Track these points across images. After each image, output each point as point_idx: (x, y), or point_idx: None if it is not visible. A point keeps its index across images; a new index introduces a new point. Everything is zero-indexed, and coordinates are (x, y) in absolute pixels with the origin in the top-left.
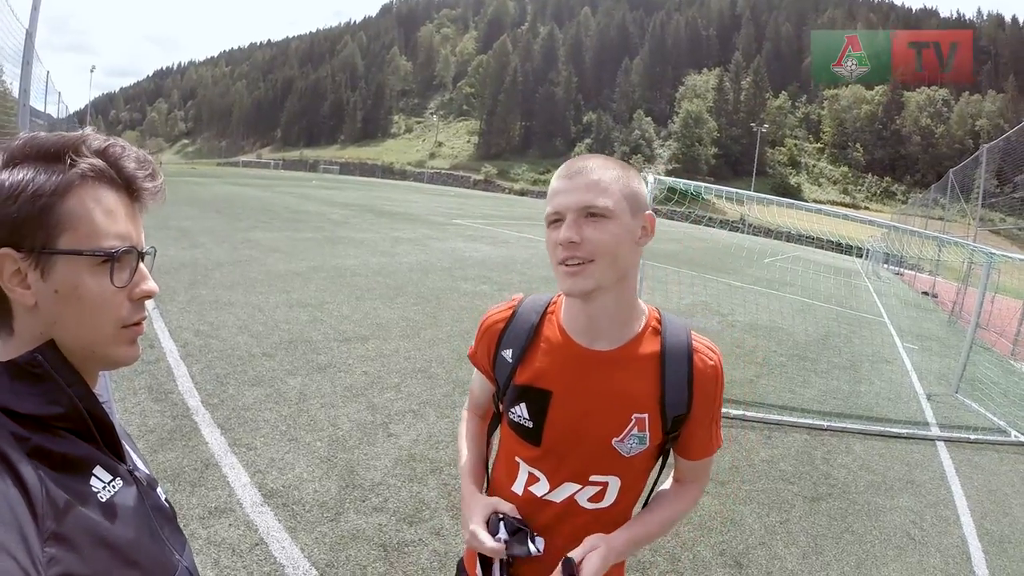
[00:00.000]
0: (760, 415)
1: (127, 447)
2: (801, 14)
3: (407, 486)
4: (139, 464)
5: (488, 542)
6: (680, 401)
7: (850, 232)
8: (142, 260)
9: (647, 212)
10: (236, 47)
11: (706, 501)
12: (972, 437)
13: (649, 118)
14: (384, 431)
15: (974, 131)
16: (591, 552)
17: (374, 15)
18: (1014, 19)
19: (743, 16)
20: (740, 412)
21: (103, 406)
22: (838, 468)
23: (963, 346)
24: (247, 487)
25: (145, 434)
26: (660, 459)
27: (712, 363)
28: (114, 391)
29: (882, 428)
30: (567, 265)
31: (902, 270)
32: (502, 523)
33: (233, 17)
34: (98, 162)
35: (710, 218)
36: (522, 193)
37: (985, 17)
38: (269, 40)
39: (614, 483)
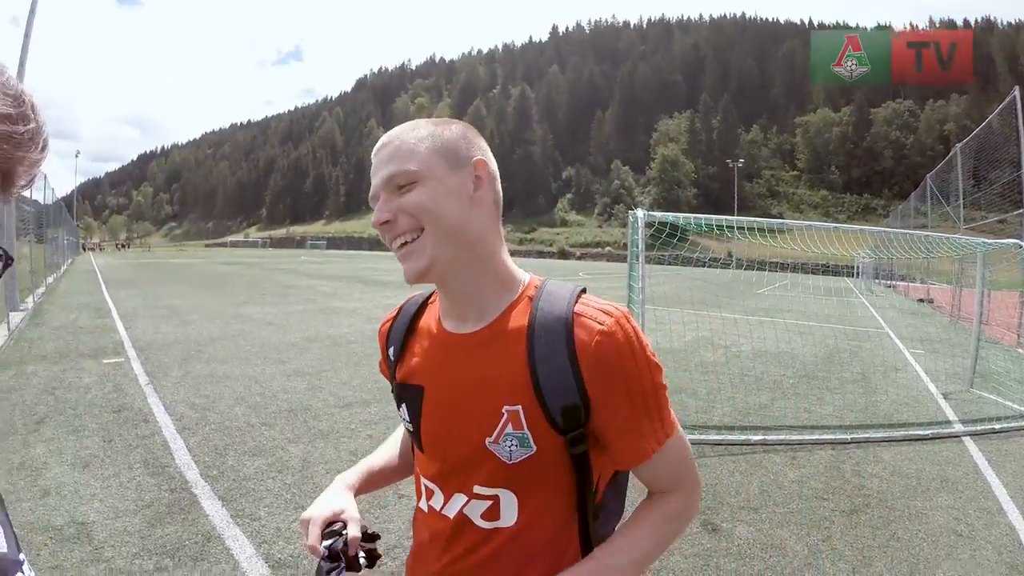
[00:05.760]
0: (781, 437)
1: None
2: (761, 48)
3: None
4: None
5: (311, 541)
6: (563, 386)
7: (838, 252)
8: None
9: (476, 159)
10: (217, 128)
11: (741, 529)
12: (997, 427)
13: (627, 167)
14: (395, 493)
15: (943, 136)
16: None
17: (349, 90)
18: (965, 21)
19: (706, 58)
20: (760, 437)
21: None
22: (870, 478)
23: (970, 343)
24: (252, 559)
25: (141, 509)
26: (576, 469)
27: (603, 327)
28: (107, 466)
29: (906, 433)
30: (399, 249)
31: (894, 283)
32: (333, 541)
33: (211, 98)
34: None
35: (697, 257)
36: (511, 253)
37: (937, 24)
38: (249, 120)
39: (507, 498)
